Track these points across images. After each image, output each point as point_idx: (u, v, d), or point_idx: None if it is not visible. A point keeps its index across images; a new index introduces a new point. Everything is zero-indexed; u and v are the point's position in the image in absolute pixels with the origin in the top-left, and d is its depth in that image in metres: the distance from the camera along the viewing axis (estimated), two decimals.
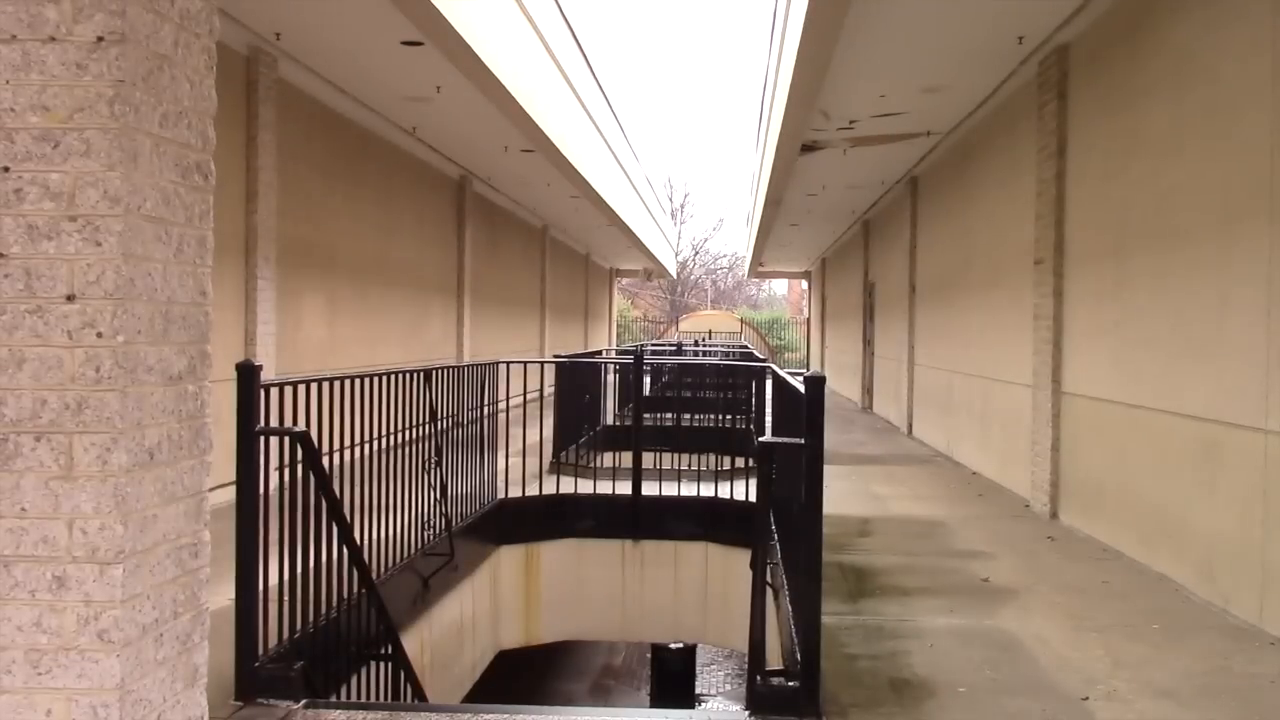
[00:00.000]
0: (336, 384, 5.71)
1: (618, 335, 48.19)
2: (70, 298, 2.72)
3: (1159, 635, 5.50)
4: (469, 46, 9.51)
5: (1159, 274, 6.94)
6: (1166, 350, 6.80)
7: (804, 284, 46.33)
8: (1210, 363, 6.17)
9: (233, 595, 4.49)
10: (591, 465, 10.99)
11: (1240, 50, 5.89)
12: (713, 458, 10.62)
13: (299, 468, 4.80)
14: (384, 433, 6.57)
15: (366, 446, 6.26)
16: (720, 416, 12.32)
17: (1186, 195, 6.54)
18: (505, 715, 4.88)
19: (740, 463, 10.60)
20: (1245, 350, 5.74)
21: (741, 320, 53.67)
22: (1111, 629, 5.61)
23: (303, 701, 4.47)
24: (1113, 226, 7.78)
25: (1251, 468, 5.66)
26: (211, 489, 3.28)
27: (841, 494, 9.94)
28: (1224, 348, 6.00)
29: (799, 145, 13.52)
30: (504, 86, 11.03)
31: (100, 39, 2.71)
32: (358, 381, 6.08)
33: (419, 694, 6.22)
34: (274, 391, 4.76)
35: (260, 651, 4.53)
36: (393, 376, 6.80)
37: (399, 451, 6.86)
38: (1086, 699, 4.52)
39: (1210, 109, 6.24)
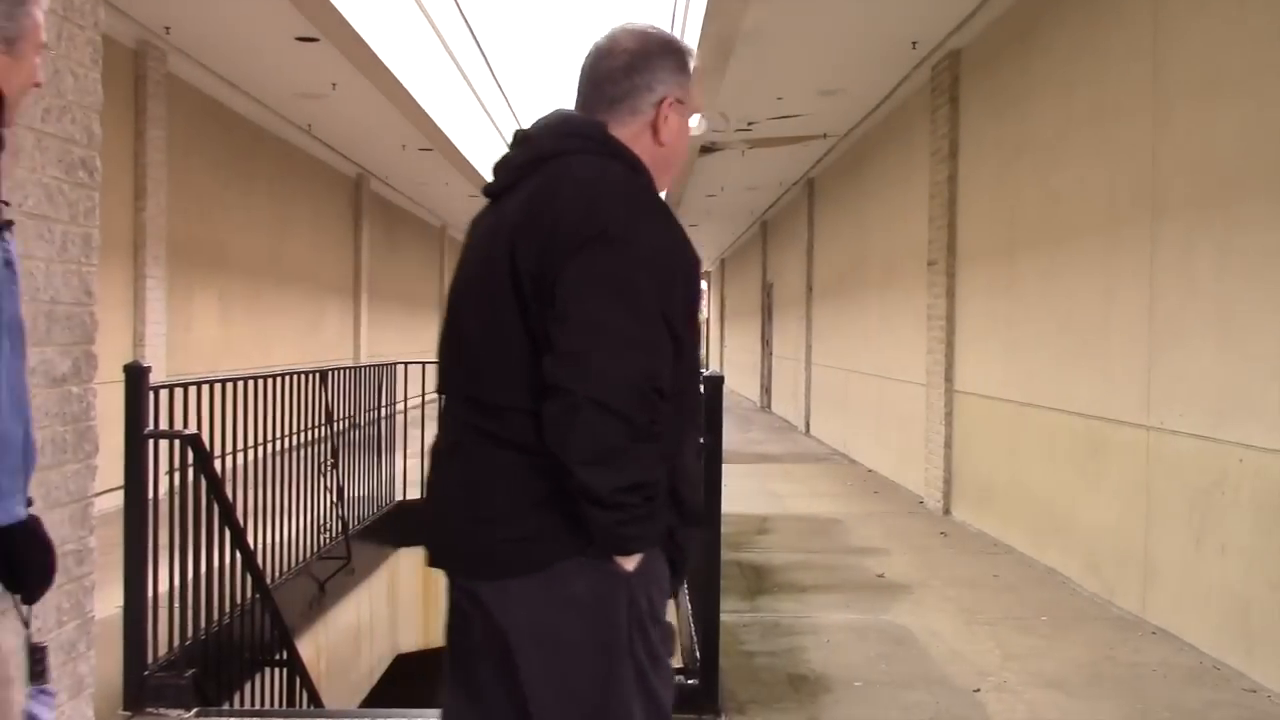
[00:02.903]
0: (229, 385, 5.59)
1: None
2: None
3: (1047, 627, 5.64)
4: (365, 42, 9.38)
5: (1048, 274, 7.13)
6: (1055, 349, 6.98)
7: (703, 284, 46.62)
8: (1096, 360, 6.35)
9: (121, 603, 4.37)
10: None
11: (1122, 56, 6.06)
12: None
13: (190, 471, 4.69)
14: (279, 435, 6.45)
15: (261, 449, 6.14)
16: None
17: (1073, 196, 6.72)
18: None
19: None
20: (1128, 348, 5.91)
21: None
22: (1002, 622, 5.74)
23: (194, 710, 4.36)
24: (1003, 227, 7.96)
25: (1134, 463, 5.83)
26: (98, 494, 3.19)
27: (740, 492, 10.00)
28: (1109, 346, 6.18)
29: (698, 146, 13.59)
30: (401, 83, 10.91)
31: None
32: (251, 383, 5.96)
33: (315, 700, 6.13)
34: (164, 393, 4.64)
35: (150, 660, 4.41)
36: (288, 378, 6.68)
37: (295, 454, 6.74)
38: (978, 690, 4.62)
39: (1095, 113, 6.42)
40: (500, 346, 2.01)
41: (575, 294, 1.91)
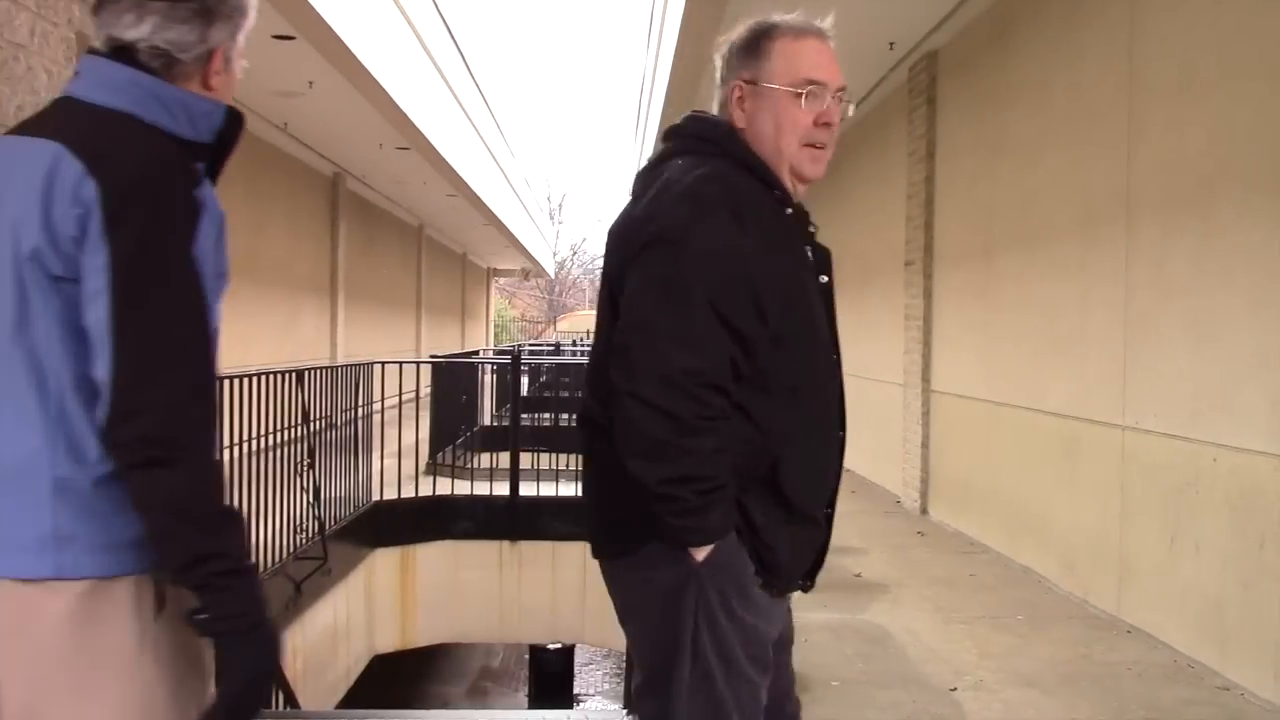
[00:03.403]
0: None
1: (495, 335, 47.91)
2: None
3: (1023, 626, 5.67)
4: (342, 41, 9.34)
5: (1024, 274, 7.15)
6: (1031, 349, 7.01)
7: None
8: (1072, 361, 6.38)
9: None
10: (469, 466, 10.90)
11: (1099, 57, 6.09)
12: None
13: None
14: (255, 435, 6.42)
15: (237, 449, 6.11)
16: None
17: (1049, 197, 6.75)
18: None
19: None
20: (1104, 348, 5.94)
21: None
22: (978, 621, 5.77)
23: None
24: (980, 228, 7.99)
25: (1108, 463, 5.86)
26: None
27: None
28: (1084, 346, 6.21)
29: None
30: (378, 82, 10.86)
31: None
32: (227, 383, 5.92)
33: (291, 701, 6.09)
34: None
35: None
36: (264, 377, 6.65)
37: (271, 454, 6.71)
38: (955, 689, 4.64)
39: (1071, 115, 6.45)
40: (604, 346, 2.13)
41: (629, 295, 2.02)
